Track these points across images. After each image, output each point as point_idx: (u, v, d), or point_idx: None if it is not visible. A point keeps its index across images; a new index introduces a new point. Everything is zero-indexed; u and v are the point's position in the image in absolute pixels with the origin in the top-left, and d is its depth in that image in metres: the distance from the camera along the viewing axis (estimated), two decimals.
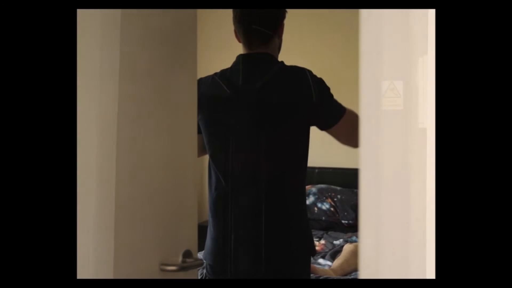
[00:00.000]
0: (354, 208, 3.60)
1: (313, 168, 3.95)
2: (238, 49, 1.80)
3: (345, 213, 3.60)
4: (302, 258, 1.74)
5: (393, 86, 0.58)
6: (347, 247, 3.01)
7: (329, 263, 2.98)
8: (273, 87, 1.68)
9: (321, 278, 2.61)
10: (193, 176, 1.35)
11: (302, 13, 3.87)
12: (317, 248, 3.26)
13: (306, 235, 1.75)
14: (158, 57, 1.26)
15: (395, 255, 0.59)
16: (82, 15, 1.03)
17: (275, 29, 1.76)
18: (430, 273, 0.57)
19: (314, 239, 3.34)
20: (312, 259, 3.00)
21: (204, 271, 1.81)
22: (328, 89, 1.70)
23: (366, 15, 0.61)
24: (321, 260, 3.04)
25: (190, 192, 1.34)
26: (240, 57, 1.77)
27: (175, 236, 1.29)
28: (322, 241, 3.36)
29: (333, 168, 3.97)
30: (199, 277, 2.13)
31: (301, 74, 1.68)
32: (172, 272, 1.25)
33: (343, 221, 3.60)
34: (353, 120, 1.68)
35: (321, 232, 3.53)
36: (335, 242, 3.32)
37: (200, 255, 1.83)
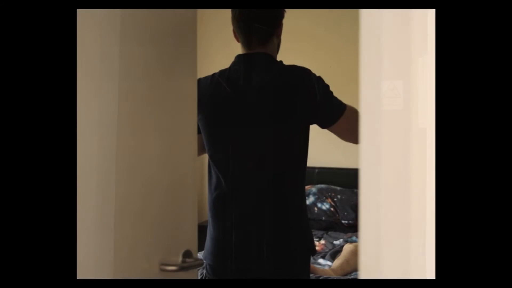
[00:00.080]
0: (354, 208, 3.60)
1: (313, 168, 3.95)
2: (238, 49, 1.80)
3: (345, 213, 3.60)
4: (302, 258, 1.74)
5: (393, 86, 0.58)
6: (347, 247, 3.01)
7: (329, 263, 2.98)
8: (272, 87, 1.68)
9: (321, 278, 2.61)
10: (193, 176, 1.35)
11: (302, 12, 3.86)
12: (317, 248, 3.26)
13: (306, 235, 1.74)
14: (158, 57, 1.26)
15: (395, 255, 0.59)
16: (82, 15, 1.03)
17: (274, 29, 1.76)
18: (430, 273, 0.57)
19: (314, 239, 3.35)
20: (312, 259, 3.00)
21: (204, 271, 1.81)
22: (327, 86, 1.70)
23: (366, 15, 0.61)
24: (321, 260, 3.04)
25: (190, 192, 1.34)
26: (239, 57, 1.77)
27: (175, 236, 1.29)
28: (322, 241, 3.36)
29: (333, 168, 3.97)
30: (199, 277, 2.13)
31: (300, 74, 1.68)
32: (172, 272, 1.25)
33: (343, 221, 3.60)
34: (353, 116, 1.68)
35: (321, 232, 3.53)
36: (335, 242, 3.32)
37: (200, 255, 1.83)
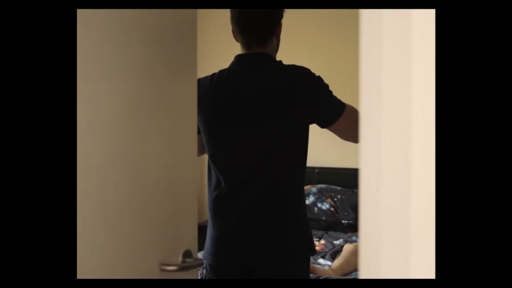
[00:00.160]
0: (354, 208, 3.60)
1: (313, 168, 3.95)
2: (238, 49, 1.80)
3: (345, 213, 3.60)
4: (302, 258, 1.74)
5: (393, 86, 0.58)
6: (347, 247, 3.00)
7: (329, 263, 2.98)
8: (272, 87, 1.68)
9: (321, 278, 2.61)
10: (193, 176, 1.35)
11: (301, 12, 3.86)
12: (317, 248, 3.26)
13: (306, 235, 1.75)
14: (158, 57, 1.26)
15: (395, 255, 0.59)
16: (82, 15, 1.03)
17: (273, 29, 1.76)
18: (430, 273, 0.57)
19: (314, 239, 3.35)
20: (312, 259, 3.00)
21: (204, 271, 1.81)
22: (326, 86, 1.70)
23: (366, 15, 0.61)
24: (321, 260, 3.04)
25: (190, 192, 1.34)
26: (238, 57, 1.77)
27: (175, 236, 1.30)
28: (322, 241, 3.36)
29: (333, 168, 3.96)
30: (199, 277, 2.12)
31: (300, 73, 1.69)
32: (172, 272, 1.25)
33: (343, 221, 3.60)
34: (353, 115, 1.68)
35: (321, 232, 3.53)
36: (335, 242, 3.32)
37: (200, 255, 1.83)
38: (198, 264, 1.31)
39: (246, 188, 1.69)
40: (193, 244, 1.33)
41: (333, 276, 2.71)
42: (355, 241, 3.24)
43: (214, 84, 1.74)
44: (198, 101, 1.42)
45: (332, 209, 3.63)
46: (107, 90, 1.14)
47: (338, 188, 3.76)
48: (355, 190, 3.73)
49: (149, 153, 1.23)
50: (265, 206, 1.68)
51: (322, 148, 3.82)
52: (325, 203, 3.66)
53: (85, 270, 1.07)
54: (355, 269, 2.85)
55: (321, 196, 3.70)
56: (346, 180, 3.79)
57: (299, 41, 3.91)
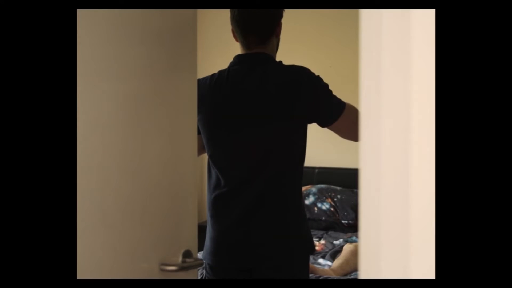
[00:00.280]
0: (354, 208, 3.60)
1: (313, 168, 3.95)
2: (238, 49, 1.80)
3: (345, 213, 3.60)
4: (301, 257, 1.74)
5: (393, 86, 0.58)
6: (347, 247, 3.00)
7: (329, 263, 2.98)
8: (271, 87, 1.68)
9: (321, 278, 2.61)
10: (193, 176, 1.35)
11: (301, 12, 3.86)
12: (317, 248, 3.26)
13: (305, 234, 1.75)
14: (158, 57, 1.26)
15: (395, 255, 0.59)
16: (82, 15, 1.03)
17: (273, 29, 1.76)
18: (430, 273, 0.57)
19: (314, 239, 3.36)
20: (312, 259, 3.01)
21: (204, 271, 1.81)
22: (326, 85, 1.70)
23: (366, 15, 0.61)
24: (321, 260, 3.04)
25: (190, 192, 1.34)
26: (238, 57, 1.77)
27: (175, 236, 1.30)
28: (322, 241, 3.36)
29: (333, 168, 3.97)
30: (199, 277, 2.12)
31: (299, 73, 1.69)
32: (172, 272, 1.25)
33: (343, 221, 3.60)
34: (353, 114, 1.68)
35: (321, 232, 3.53)
36: (335, 242, 3.32)
37: (199, 255, 1.83)
38: (198, 264, 1.31)
39: (246, 187, 1.69)
40: (193, 244, 1.33)
41: (333, 276, 2.71)
42: (355, 241, 3.24)
43: (214, 84, 1.74)
44: (198, 101, 1.42)
45: (332, 209, 3.63)
46: (107, 90, 1.14)
47: (338, 188, 3.76)
48: (355, 190, 3.73)
49: (149, 153, 1.23)
50: (264, 205, 1.69)
51: (322, 148, 3.82)
52: (325, 203, 3.66)
53: (85, 270, 1.07)
54: (355, 269, 2.85)
55: (321, 196, 3.70)
56: (346, 180, 3.79)
57: (299, 41, 3.91)
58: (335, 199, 3.66)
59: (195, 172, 1.36)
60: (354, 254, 2.90)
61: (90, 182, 1.10)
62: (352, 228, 3.55)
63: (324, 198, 3.68)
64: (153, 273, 1.23)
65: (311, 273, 2.62)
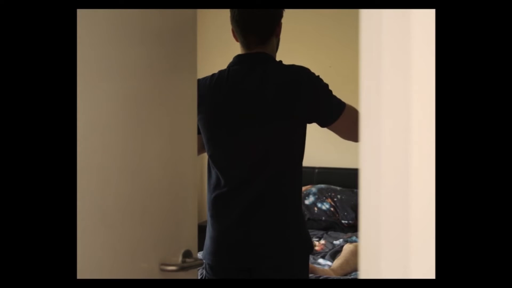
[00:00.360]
0: (354, 208, 3.60)
1: (313, 168, 3.95)
2: (238, 49, 1.80)
3: (345, 213, 3.60)
4: (301, 257, 1.74)
5: (393, 86, 0.58)
6: (347, 247, 3.00)
7: (329, 263, 2.98)
8: (271, 87, 1.68)
9: (321, 278, 2.61)
10: (193, 176, 1.35)
11: (301, 12, 3.86)
12: (317, 248, 3.26)
13: (304, 234, 1.75)
14: (158, 57, 1.26)
15: (395, 255, 0.59)
16: (82, 15, 1.03)
17: (273, 29, 1.76)
18: (430, 273, 0.57)
19: (314, 239, 3.36)
20: (312, 259, 3.01)
21: (204, 271, 1.81)
22: (326, 85, 1.70)
23: (366, 15, 0.61)
24: (321, 260, 3.04)
25: (190, 192, 1.34)
26: (238, 57, 1.77)
27: (175, 236, 1.30)
28: (322, 241, 3.36)
29: (333, 168, 3.97)
30: (199, 277, 2.12)
31: (299, 73, 1.69)
32: (172, 272, 1.25)
33: (343, 221, 3.60)
34: (353, 114, 1.68)
35: (321, 232, 3.53)
36: (335, 242, 3.32)
37: (199, 255, 1.83)
38: (198, 264, 1.31)
39: (246, 187, 1.69)
40: (193, 244, 1.33)
41: (333, 276, 2.71)
42: (355, 241, 3.24)
43: (214, 84, 1.74)
44: (198, 101, 1.42)
45: (332, 209, 3.63)
46: (107, 90, 1.14)
47: (338, 188, 3.76)
48: (355, 190, 3.73)
49: (149, 153, 1.23)
50: (264, 205, 1.69)
51: (322, 148, 3.82)
52: (325, 203, 3.66)
53: (85, 270, 1.07)
54: (355, 269, 2.85)
55: (321, 196, 3.70)
56: (346, 180, 3.79)
57: (299, 41, 3.91)
58: (335, 199, 3.66)
59: (195, 172, 1.36)
60: (354, 254, 2.90)
61: (90, 182, 1.10)
62: (352, 228, 3.55)
63: (324, 198, 3.68)
64: (153, 273, 1.23)
65: (311, 273, 2.62)
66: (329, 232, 3.52)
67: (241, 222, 1.70)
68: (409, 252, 0.58)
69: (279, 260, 1.69)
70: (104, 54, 1.14)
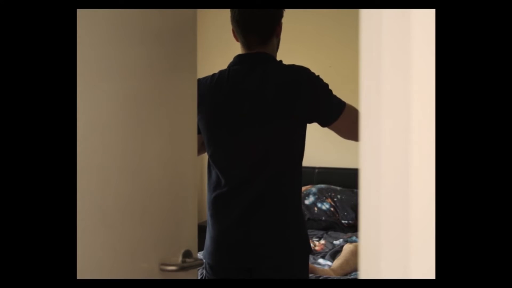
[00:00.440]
0: (354, 208, 3.60)
1: (313, 168, 3.95)
2: (238, 49, 1.80)
3: (345, 213, 3.60)
4: (301, 257, 1.74)
5: (393, 86, 0.58)
6: (347, 247, 3.00)
7: (329, 263, 2.98)
8: (272, 87, 1.68)
9: (321, 278, 2.61)
10: (193, 176, 1.35)
11: (302, 12, 3.86)
12: (317, 248, 3.26)
13: (305, 233, 1.75)
14: (158, 57, 1.26)
15: (395, 255, 0.59)
16: (82, 15, 1.03)
17: (274, 29, 1.76)
18: (430, 273, 0.57)
19: (314, 239, 3.36)
20: (312, 259, 3.01)
21: (204, 271, 1.81)
22: (326, 85, 1.70)
23: (366, 15, 0.61)
24: (321, 260, 3.04)
25: (190, 192, 1.34)
26: (238, 57, 1.77)
27: (175, 236, 1.30)
28: (322, 241, 3.36)
29: (333, 168, 3.97)
30: (199, 277, 2.12)
31: (299, 73, 1.69)
32: (172, 272, 1.25)
33: (343, 221, 3.60)
34: (353, 114, 1.68)
35: (321, 232, 3.53)
36: (335, 242, 3.32)
37: (199, 255, 1.83)
38: (198, 264, 1.31)
39: (246, 187, 1.69)
40: (193, 244, 1.33)
41: (333, 276, 2.71)
42: (355, 241, 3.24)
43: (214, 84, 1.74)
44: (198, 101, 1.42)
45: (332, 209, 3.63)
46: (107, 90, 1.14)
47: (338, 188, 3.76)
48: (355, 190, 3.73)
49: (149, 153, 1.23)
50: (264, 205, 1.69)
51: (322, 148, 3.82)
52: (325, 203, 3.66)
53: (85, 270, 1.07)
54: (355, 269, 2.85)
55: (321, 196, 3.70)
56: (346, 180, 3.79)
57: (299, 41, 3.91)
58: (335, 199, 3.66)
59: (195, 172, 1.36)
60: (354, 254, 2.90)
61: (90, 182, 1.10)
62: (352, 228, 3.55)
63: (324, 198, 3.68)
64: (153, 273, 1.23)
65: (311, 273, 2.62)
66: (329, 232, 3.52)
67: (241, 222, 1.70)
68: (409, 252, 0.58)
69: (279, 260, 1.69)
70: (104, 54, 1.14)
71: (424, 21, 0.56)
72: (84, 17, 1.05)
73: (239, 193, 1.70)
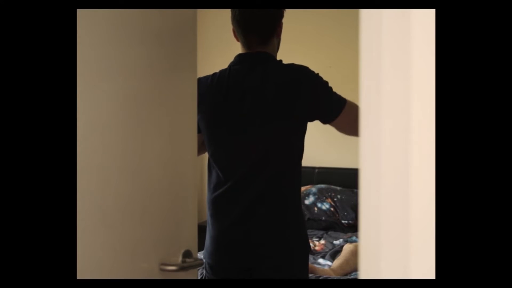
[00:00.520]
0: (354, 208, 3.60)
1: (313, 168, 3.95)
2: (238, 49, 1.80)
3: (345, 213, 3.60)
4: (301, 256, 1.74)
5: (393, 86, 0.58)
6: (347, 247, 3.00)
7: (329, 263, 2.98)
8: (272, 86, 1.68)
9: (321, 278, 2.61)
10: (193, 176, 1.35)
11: (302, 12, 3.86)
12: (317, 248, 3.26)
13: (305, 233, 1.75)
14: (158, 57, 1.26)
15: (395, 255, 0.59)
16: (82, 15, 1.03)
17: (274, 29, 1.76)
18: (430, 273, 0.57)
19: (314, 239, 3.36)
20: (312, 259, 3.01)
21: (204, 271, 1.81)
22: (326, 83, 1.71)
23: (366, 15, 0.61)
24: (321, 260, 3.04)
25: (190, 192, 1.34)
26: (239, 57, 1.77)
27: (175, 236, 1.29)
28: (322, 241, 3.36)
29: (333, 168, 3.97)
30: (199, 277, 2.12)
31: (299, 71, 1.69)
32: (172, 272, 1.25)
33: (343, 221, 3.60)
34: (354, 110, 1.69)
35: (321, 232, 3.53)
36: (335, 242, 3.32)
37: (199, 254, 1.83)
38: (198, 264, 1.31)
39: (246, 187, 1.69)
40: (193, 244, 1.33)
41: (333, 276, 2.71)
42: (355, 241, 3.24)
43: (215, 84, 1.74)
44: (199, 101, 1.42)
45: (332, 209, 3.63)
46: (107, 90, 1.14)
47: (338, 188, 3.76)
48: (355, 190, 3.73)
49: (149, 153, 1.23)
50: (264, 205, 1.69)
51: (322, 148, 3.82)
52: (325, 203, 3.66)
53: (85, 270, 1.07)
54: (355, 269, 2.85)
55: (321, 196, 3.70)
56: (346, 180, 3.79)
57: (299, 41, 3.91)
58: (335, 199, 3.66)
59: (195, 172, 1.36)
60: (354, 254, 2.90)
61: (90, 182, 1.10)
62: (352, 228, 3.55)
63: (324, 198, 3.68)
64: (153, 273, 1.23)
65: (311, 273, 2.62)
66: (329, 232, 3.52)
67: (241, 221, 1.70)
68: (409, 252, 0.58)
69: (279, 260, 1.69)
70: (104, 54, 1.14)
71: (424, 21, 0.56)
72: (84, 17, 1.05)
73: (239, 193, 1.70)
